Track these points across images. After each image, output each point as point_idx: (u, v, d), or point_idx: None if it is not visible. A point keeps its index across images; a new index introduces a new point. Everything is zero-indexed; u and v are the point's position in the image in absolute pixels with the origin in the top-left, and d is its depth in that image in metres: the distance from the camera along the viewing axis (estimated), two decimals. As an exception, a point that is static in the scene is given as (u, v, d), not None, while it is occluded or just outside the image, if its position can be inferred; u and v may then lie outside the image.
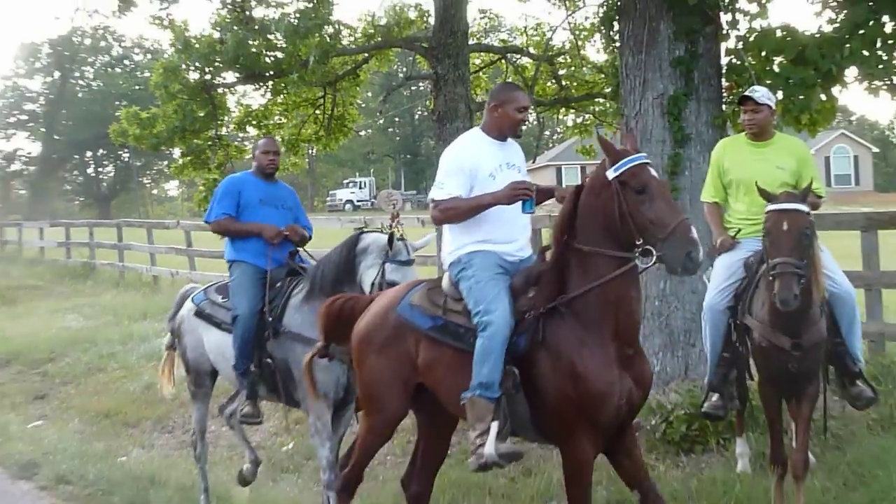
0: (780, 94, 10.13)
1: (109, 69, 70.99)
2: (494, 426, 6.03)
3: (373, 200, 54.41)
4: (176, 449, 11.43)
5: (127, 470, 10.02)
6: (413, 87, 14.77)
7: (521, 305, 6.15)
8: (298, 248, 8.75)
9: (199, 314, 8.75)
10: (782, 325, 6.82)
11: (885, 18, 9.77)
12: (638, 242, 5.83)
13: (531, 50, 14.61)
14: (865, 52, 10.03)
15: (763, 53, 10.56)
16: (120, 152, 68.22)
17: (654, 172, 6.02)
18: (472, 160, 6.55)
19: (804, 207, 6.69)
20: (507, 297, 6.16)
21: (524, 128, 6.79)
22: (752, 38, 10.61)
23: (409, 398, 6.77)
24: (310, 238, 8.98)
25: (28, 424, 12.71)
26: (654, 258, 5.81)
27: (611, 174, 5.91)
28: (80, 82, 70.37)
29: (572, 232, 6.18)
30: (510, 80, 14.24)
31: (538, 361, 6.09)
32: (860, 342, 7.79)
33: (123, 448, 11.26)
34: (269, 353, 8.07)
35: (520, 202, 6.39)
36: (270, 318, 8.14)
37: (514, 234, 6.60)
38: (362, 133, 51.41)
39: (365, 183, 69.16)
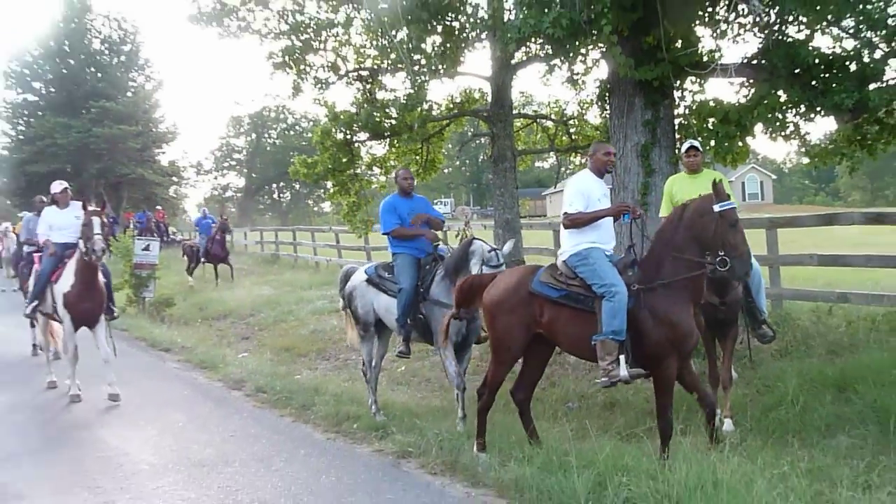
0: (712, 143, 10.33)
1: (287, 131, 73.76)
2: (622, 357, 6.22)
3: (452, 212, 53.64)
4: (331, 371, 11.68)
5: (300, 383, 10.30)
6: (477, 141, 14.15)
7: (625, 280, 6.38)
8: (439, 243, 8.92)
9: (370, 282, 8.87)
10: (714, 289, 7.11)
11: (780, 93, 9.86)
12: (721, 254, 6.11)
13: (552, 116, 14.50)
14: (768, 115, 10.05)
15: (701, 116, 10.65)
16: (294, 184, 70.62)
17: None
18: (587, 189, 6.76)
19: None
20: (620, 276, 6.40)
21: (610, 168, 7.15)
22: (694, 107, 10.80)
23: (527, 344, 6.90)
24: (444, 222, 9.47)
25: (238, 355, 13.06)
26: (728, 266, 6.13)
27: (716, 207, 6.20)
28: (269, 140, 73.16)
29: (673, 239, 6.46)
30: (539, 136, 14.75)
31: (642, 317, 6.28)
32: (765, 300, 8.06)
33: (297, 370, 11.65)
34: (420, 312, 8.34)
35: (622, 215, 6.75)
36: (422, 290, 8.35)
37: (610, 238, 6.83)
38: (446, 170, 50.64)
39: (447, 202, 68.28)
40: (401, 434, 7.54)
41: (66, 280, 9.76)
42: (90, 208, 9.70)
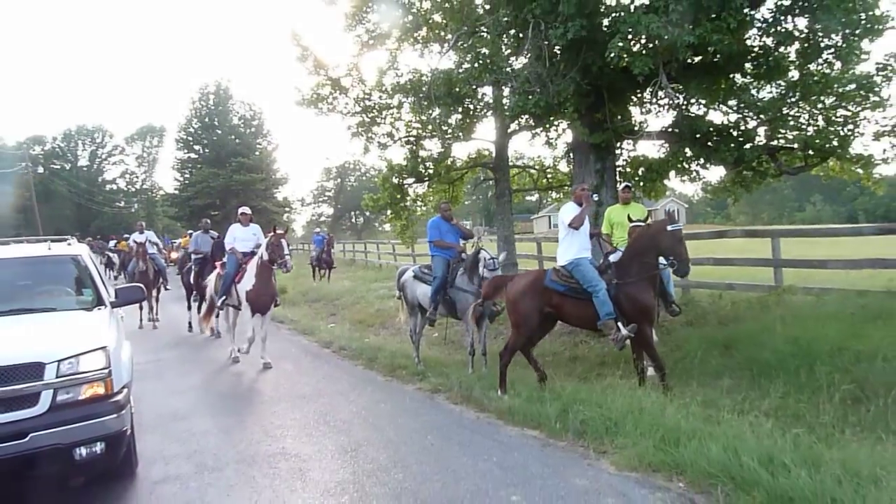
0: (641, 184, 10.51)
1: (361, 177, 73.53)
2: (620, 325, 6.17)
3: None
4: (389, 336, 11.50)
5: (368, 344, 10.32)
6: (486, 183, 14.15)
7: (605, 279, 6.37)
8: (463, 250, 8.56)
9: (416, 277, 8.79)
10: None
11: (686, 151, 9.83)
12: (670, 259, 6.12)
13: (536, 166, 14.18)
14: (678, 166, 10.15)
15: (634, 166, 10.71)
16: (366, 212, 70.49)
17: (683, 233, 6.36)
18: (573, 211, 6.63)
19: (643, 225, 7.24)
20: (600, 276, 6.38)
21: (585, 199, 6.83)
22: (629, 160, 10.81)
23: (540, 321, 6.79)
24: (472, 234, 9.07)
25: (328, 325, 13.14)
26: (676, 267, 6.12)
27: (669, 228, 6.20)
28: (349, 182, 73.09)
29: (640, 248, 6.41)
30: (527, 180, 14.40)
31: (621, 301, 6.24)
32: (673, 288, 8.11)
33: (367, 335, 11.64)
34: (447, 294, 8.21)
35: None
36: (449, 279, 8.25)
37: (588, 250, 6.72)
38: (466, 202, 50.39)
39: (467, 223, 66.91)
40: (434, 377, 7.57)
41: (248, 280, 9.20)
42: (278, 231, 9.03)
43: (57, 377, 4.14)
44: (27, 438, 3.98)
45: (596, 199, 7.25)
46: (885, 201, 64.96)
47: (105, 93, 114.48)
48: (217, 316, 12.07)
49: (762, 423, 4.59)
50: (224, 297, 9.93)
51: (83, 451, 4.13)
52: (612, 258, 6.70)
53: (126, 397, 4.56)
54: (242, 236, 10.03)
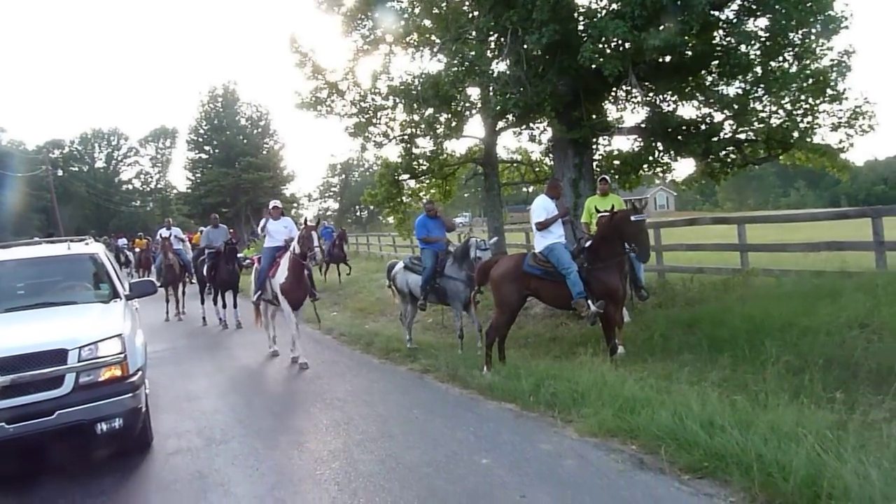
0: (617, 177, 10.73)
1: (365, 173, 72.73)
2: (590, 303, 6.39)
3: (470, 221, 51.73)
4: (387, 323, 11.52)
5: (367, 330, 10.46)
6: (479, 177, 13.97)
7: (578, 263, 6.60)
8: (449, 242, 8.84)
9: (407, 268, 9.00)
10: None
11: (658, 145, 10.07)
12: (632, 245, 6.39)
13: (524, 161, 14.11)
14: (650, 159, 10.36)
15: (609, 160, 10.91)
16: (370, 206, 70.08)
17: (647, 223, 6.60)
18: (546, 206, 6.90)
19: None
20: (573, 260, 6.60)
21: (559, 192, 7.26)
22: (605, 154, 11.03)
23: (520, 302, 7.07)
24: (455, 225, 9.39)
25: (331, 314, 13.17)
26: (637, 254, 6.49)
27: (633, 218, 6.37)
28: (353, 178, 72.53)
29: (607, 235, 6.61)
30: (515, 173, 14.47)
31: (591, 282, 6.46)
32: (643, 274, 8.39)
33: (366, 322, 11.83)
34: (437, 283, 8.41)
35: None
36: (439, 269, 8.40)
37: (562, 236, 6.91)
38: (465, 195, 50.14)
39: (466, 215, 65.63)
40: (425, 359, 7.81)
41: (282, 274, 8.69)
42: (308, 224, 8.55)
43: (79, 362, 4.50)
44: (54, 415, 4.36)
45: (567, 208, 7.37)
46: (866, 185, 65.02)
47: (120, 96, 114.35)
48: (203, 303, 12.10)
49: (709, 392, 4.86)
50: (259, 293, 9.53)
51: (104, 426, 4.51)
52: (585, 244, 6.90)
53: (140, 379, 4.92)
54: (273, 230, 9.49)
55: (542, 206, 6.91)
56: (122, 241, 29.31)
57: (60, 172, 60.26)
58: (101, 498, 4.44)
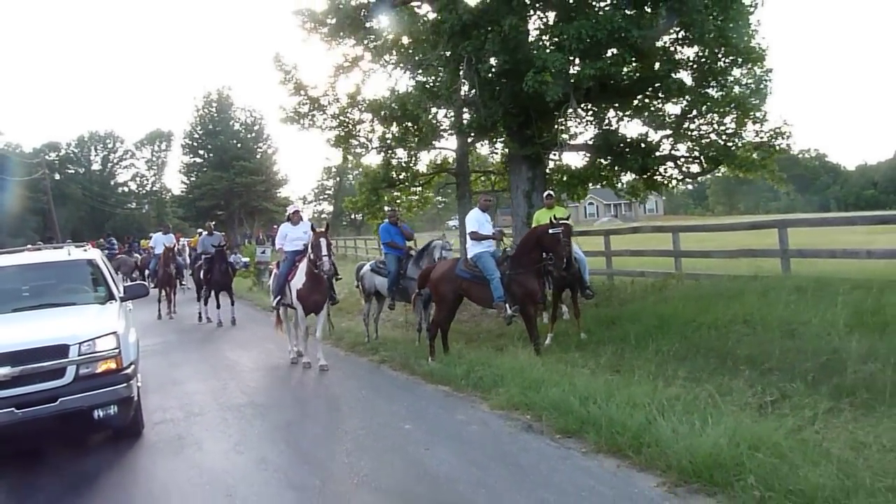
0: (566, 189, 11.72)
1: (359, 176, 72.57)
2: (507, 306, 7.17)
3: (455, 226, 51.87)
4: (356, 318, 11.01)
5: (342, 327, 10.91)
6: (450, 185, 14.06)
7: (501, 270, 7.32)
8: (411, 246, 9.63)
9: (373, 270, 9.75)
10: (564, 267, 7.47)
11: (603, 160, 11.14)
12: (550, 255, 7.11)
13: (494, 170, 14.48)
14: (596, 173, 11.41)
15: (559, 174, 11.90)
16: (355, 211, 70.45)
17: (563, 236, 7.13)
18: (479, 218, 7.69)
19: (568, 223, 7.65)
20: (498, 267, 7.33)
21: (488, 205, 8.11)
22: (556, 168, 12.00)
23: (455, 302, 7.80)
24: (412, 235, 9.95)
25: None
26: (554, 262, 7.08)
27: (550, 231, 7.10)
28: (348, 181, 72.80)
29: (528, 246, 7.34)
30: (482, 183, 15.06)
31: (512, 287, 7.19)
32: (588, 275, 8.85)
33: (343, 320, 12.02)
34: (401, 285, 9.14)
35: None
36: (402, 272, 9.15)
37: (491, 245, 7.69)
38: (446, 201, 50.08)
39: (455, 221, 66.37)
40: (384, 351, 8.76)
41: (299, 279, 8.61)
42: (318, 230, 8.43)
43: (79, 355, 5.09)
44: (58, 402, 4.95)
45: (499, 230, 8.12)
46: (856, 189, 66.29)
47: (116, 99, 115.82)
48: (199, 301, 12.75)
49: (597, 374, 6.00)
50: (279, 297, 9.34)
51: (100, 412, 5.12)
52: (510, 252, 7.86)
53: (133, 371, 5.63)
54: (294, 235, 9.35)
55: (475, 219, 7.89)
56: (112, 241, 30.10)
57: (57, 175, 61.33)
58: (93, 456, 5.50)
